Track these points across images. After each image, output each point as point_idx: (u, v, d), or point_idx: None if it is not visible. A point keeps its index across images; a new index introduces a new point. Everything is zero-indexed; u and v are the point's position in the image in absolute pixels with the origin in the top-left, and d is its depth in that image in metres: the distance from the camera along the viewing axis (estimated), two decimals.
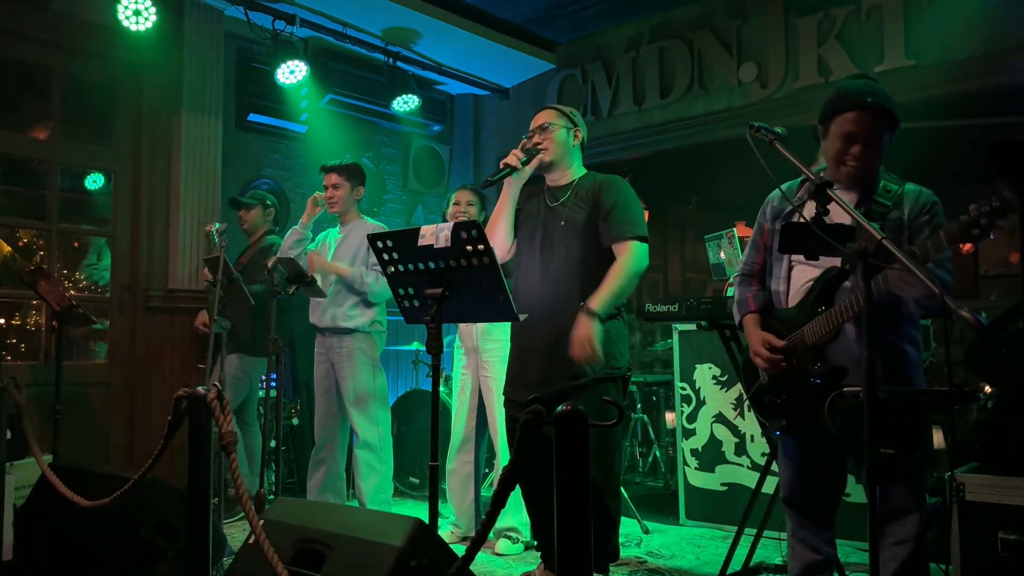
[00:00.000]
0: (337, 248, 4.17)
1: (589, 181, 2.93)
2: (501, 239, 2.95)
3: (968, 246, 6.21)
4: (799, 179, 2.54)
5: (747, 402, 2.60)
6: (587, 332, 2.65)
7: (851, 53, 4.75)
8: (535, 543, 3.74)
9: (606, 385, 2.79)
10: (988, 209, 1.81)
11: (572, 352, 2.68)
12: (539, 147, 2.89)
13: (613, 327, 2.83)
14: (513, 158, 2.84)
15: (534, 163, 2.87)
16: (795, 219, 2.38)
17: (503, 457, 3.78)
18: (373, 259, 3.98)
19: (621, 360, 2.86)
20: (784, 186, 2.56)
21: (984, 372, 3.00)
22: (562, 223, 2.86)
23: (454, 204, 4.07)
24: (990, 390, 2.93)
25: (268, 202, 4.74)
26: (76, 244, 5.01)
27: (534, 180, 3.03)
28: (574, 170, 2.98)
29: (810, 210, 2.13)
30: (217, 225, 3.96)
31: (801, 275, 2.42)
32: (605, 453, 2.78)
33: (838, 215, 2.07)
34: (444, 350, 2.59)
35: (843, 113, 2.31)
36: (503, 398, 3.07)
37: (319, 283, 4.00)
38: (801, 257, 2.39)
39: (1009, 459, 2.49)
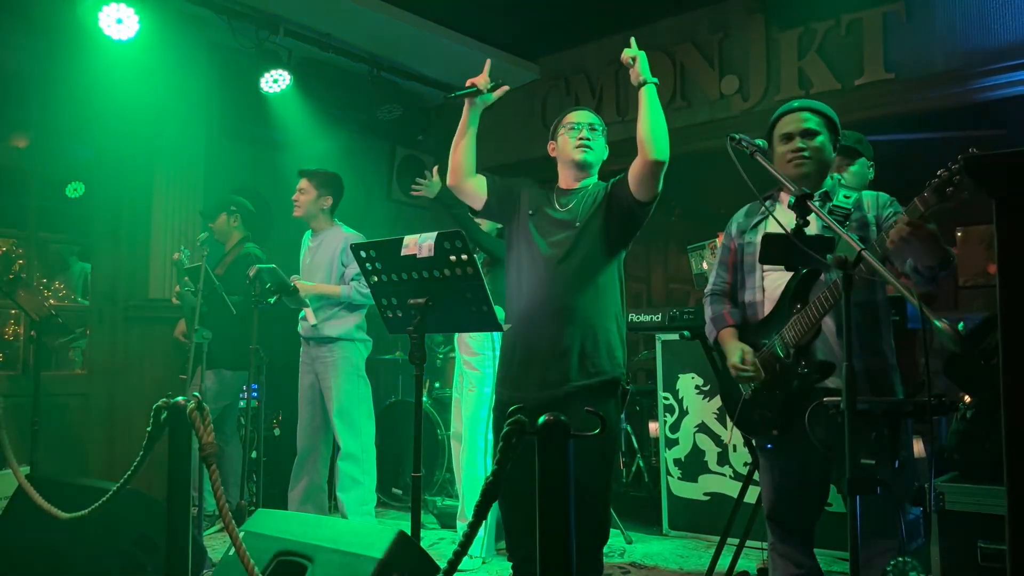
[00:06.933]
0: (312, 258, 4.17)
1: (598, 188, 2.81)
2: (461, 165, 2.80)
3: None
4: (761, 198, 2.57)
5: (730, 423, 2.60)
6: None
7: (831, 66, 4.80)
8: (483, 557, 3.72)
9: (605, 398, 2.59)
10: (957, 167, 1.86)
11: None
12: (586, 143, 2.79)
13: (616, 329, 2.69)
14: (481, 80, 2.75)
15: (500, 92, 2.80)
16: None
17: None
18: (350, 269, 3.98)
19: (621, 367, 2.69)
20: (746, 207, 2.62)
21: (963, 382, 3.02)
22: (576, 223, 2.70)
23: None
24: (969, 400, 2.95)
25: (232, 207, 4.61)
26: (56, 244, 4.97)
27: (544, 179, 2.93)
28: (591, 178, 2.86)
29: (776, 222, 2.16)
30: (187, 251, 3.96)
31: (774, 282, 2.44)
32: (600, 464, 2.56)
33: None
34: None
35: (778, 121, 2.52)
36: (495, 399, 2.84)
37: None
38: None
39: (988, 469, 2.52)
